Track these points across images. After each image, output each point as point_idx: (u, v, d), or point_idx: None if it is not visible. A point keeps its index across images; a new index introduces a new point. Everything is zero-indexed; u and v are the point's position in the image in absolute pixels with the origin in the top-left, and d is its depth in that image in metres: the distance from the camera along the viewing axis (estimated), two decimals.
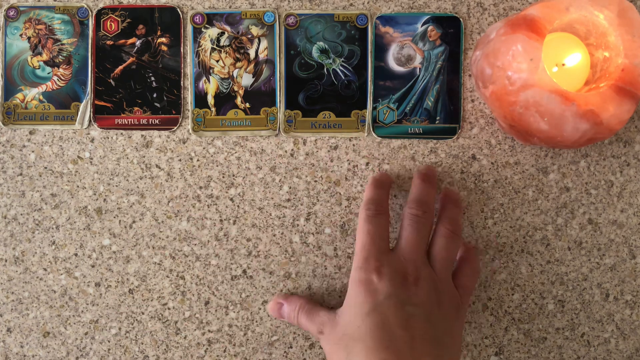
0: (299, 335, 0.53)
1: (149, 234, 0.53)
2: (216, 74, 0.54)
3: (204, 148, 0.54)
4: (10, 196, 0.54)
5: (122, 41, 0.54)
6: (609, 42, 0.48)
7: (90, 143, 0.54)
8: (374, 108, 0.54)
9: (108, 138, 0.54)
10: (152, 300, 0.53)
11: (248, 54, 0.54)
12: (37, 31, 0.54)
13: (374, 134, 0.53)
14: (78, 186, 0.54)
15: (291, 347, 0.53)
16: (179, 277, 0.53)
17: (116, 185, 0.54)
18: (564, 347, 0.53)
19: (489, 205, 0.53)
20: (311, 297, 0.53)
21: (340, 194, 0.53)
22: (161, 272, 0.53)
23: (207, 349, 0.53)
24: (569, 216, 0.53)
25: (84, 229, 0.54)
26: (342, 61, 0.54)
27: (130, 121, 0.54)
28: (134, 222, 0.54)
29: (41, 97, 0.54)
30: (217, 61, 0.54)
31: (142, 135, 0.54)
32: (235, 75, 0.54)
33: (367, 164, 0.53)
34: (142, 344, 0.54)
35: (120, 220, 0.54)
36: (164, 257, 0.53)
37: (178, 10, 0.54)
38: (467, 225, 0.53)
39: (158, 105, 0.54)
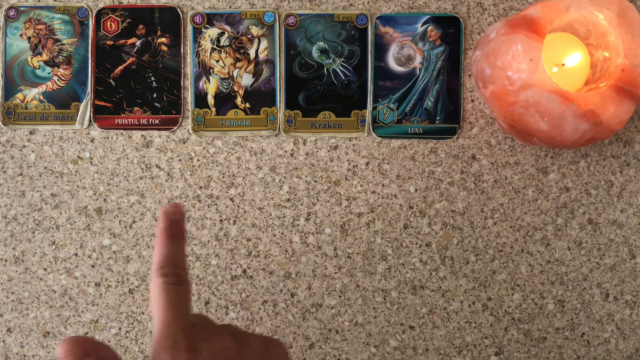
0: (299, 335, 0.53)
1: (149, 234, 0.53)
2: (216, 74, 0.54)
3: (204, 148, 0.54)
4: (11, 196, 0.54)
5: (122, 41, 0.54)
6: (609, 42, 0.48)
7: (90, 143, 0.54)
8: (374, 108, 0.54)
9: (108, 138, 0.54)
10: None
11: (248, 54, 0.54)
12: (37, 31, 0.54)
13: (374, 134, 0.53)
14: (78, 186, 0.54)
15: (291, 347, 0.53)
16: None
17: (116, 185, 0.54)
18: (564, 347, 0.53)
19: (489, 205, 0.53)
20: (311, 297, 0.53)
21: (340, 194, 0.53)
22: None
23: None
24: (569, 216, 0.53)
25: (84, 229, 0.54)
26: (342, 61, 0.54)
27: (130, 121, 0.54)
28: (134, 222, 0.54)
29: (41, 97, 0.54)
30: (217, 61, 0.54)
31: (142, 135, 0.54)
32: (235, 75, 0.54)
33: (367, 164, 0.53)
34: (142, 344, 0.54)
35: (120, 220, 0.54)
36: None
37: (178, 10, 0.54)
38: (467, 225, 0.53)
39: (158, 105, 0.54)
